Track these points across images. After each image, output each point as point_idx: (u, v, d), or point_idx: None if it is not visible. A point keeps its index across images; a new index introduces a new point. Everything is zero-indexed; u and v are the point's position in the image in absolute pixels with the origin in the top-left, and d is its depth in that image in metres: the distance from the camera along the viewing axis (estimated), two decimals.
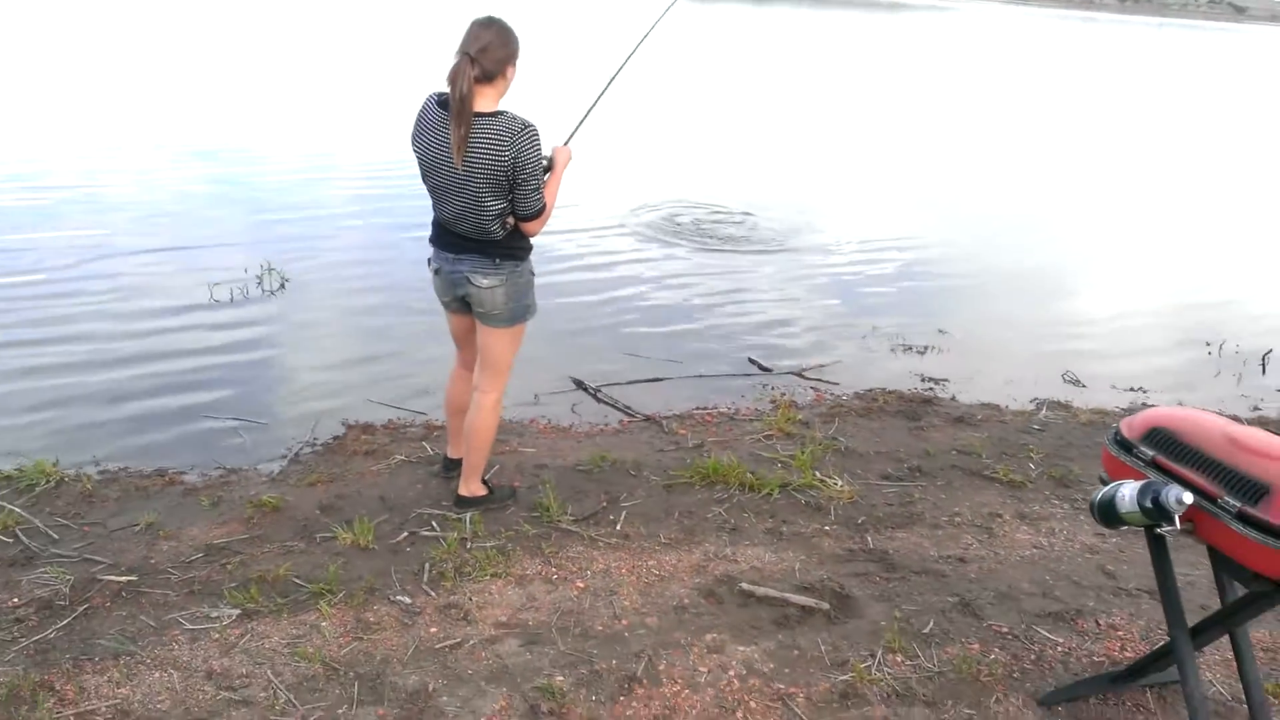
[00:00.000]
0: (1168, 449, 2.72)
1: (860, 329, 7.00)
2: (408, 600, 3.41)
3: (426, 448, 4.65)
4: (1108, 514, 2.69)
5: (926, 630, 3.42)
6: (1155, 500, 2.55)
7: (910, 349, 6.69)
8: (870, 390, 5.91)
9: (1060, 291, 8.45)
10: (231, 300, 6.48)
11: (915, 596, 3.65)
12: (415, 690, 2.97)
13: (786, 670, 3.18)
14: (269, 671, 2.99)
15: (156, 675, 2.96)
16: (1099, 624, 3.52)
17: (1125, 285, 8.96)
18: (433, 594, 3.46)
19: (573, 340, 6.44)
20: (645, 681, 3.08)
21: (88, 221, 7.98)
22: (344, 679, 2.99)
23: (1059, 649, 3.36)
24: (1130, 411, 5.92)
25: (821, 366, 6.25)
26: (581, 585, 3.59)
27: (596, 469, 4.55)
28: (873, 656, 3.26)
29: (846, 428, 5.30)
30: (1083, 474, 4.82)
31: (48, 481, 4.10)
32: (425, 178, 3.53)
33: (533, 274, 3.76)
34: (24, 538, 3.68)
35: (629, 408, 5.44)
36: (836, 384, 6.06)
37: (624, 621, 3.38)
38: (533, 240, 3.68)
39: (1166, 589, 2.80)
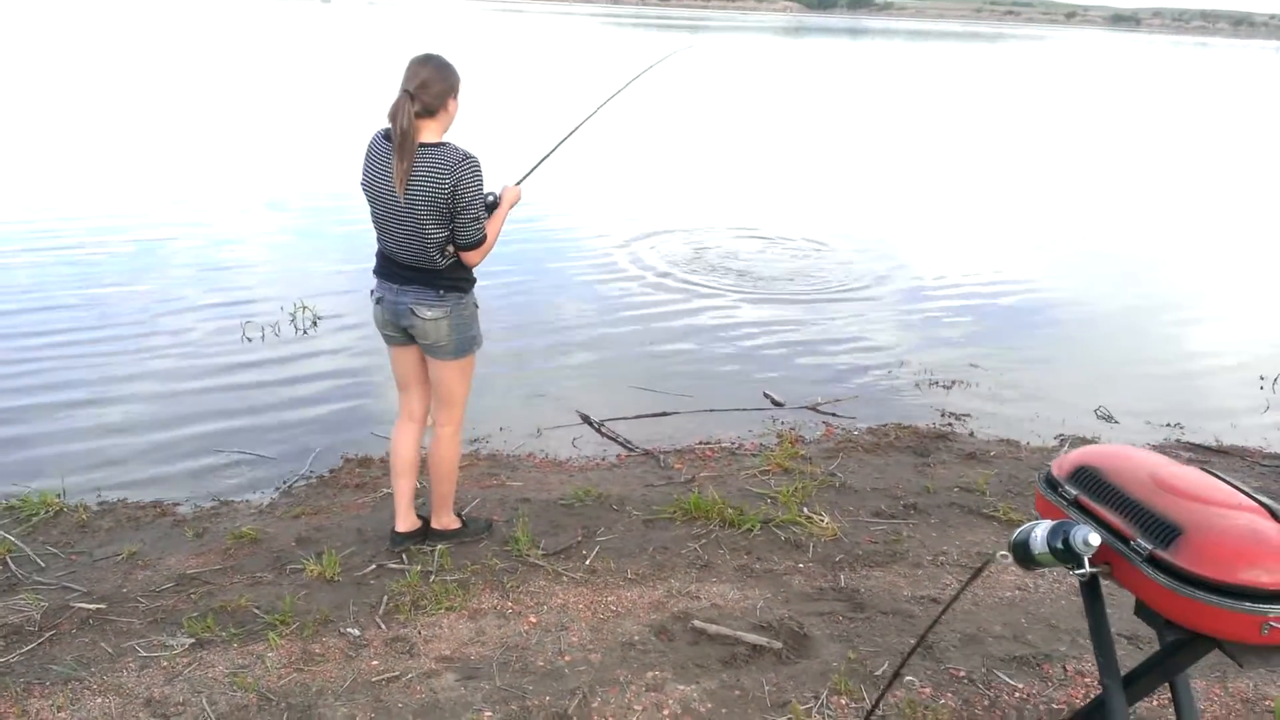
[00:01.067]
0: (1090, 488, 2.59)
1: (885, 364, 6.85)
2: (356, 632, 3.46)
3: (420, 482, 4.71)
4: (1022, 555, 2.57)
5: (879, 672, 3.30)
6: (1065, 541, 2.44)
7: (936, 384, 6.52)
8: (884, 425, 5.78)
9: (1108, 328, 8.13)
10: (263, 338, 6.70)
11: (876, 638, 3.53)
12: None
13: (724, 710, 3.11)
14: (204, 700, 3.06)
15: (98, 701, 3.05)
16: (1066, 670, 3.35)
17: (1183, 322, 8.57)
18: (383, 627, 3.50)
19: (588, 374, 6.49)
20: (575, 719, 3.06)
21: (125, 259, 8.38)
22: (275, 709, 3.03)
23: (1016, 695, 3.21)
24: (1153, 448, 5.67)
25: (837, 401, 6.14)
26: (534, 620, 3.58)
27: (579, 503, 4.54)
28: (816, 699, 3.16)
29: (849, 463, 5.19)
30: None
31: (47, 511, 4.29)
32: (372, 209, 3.62)
33: (476, 306, 3.81)
34: (12, 565, 3.86)
35: (629, 442, 5.43)
36: (853, 418, 5.95)
37: (567, 658, 3.35)
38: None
39: (1098, 634, 2.65)
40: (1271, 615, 2.17)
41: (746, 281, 8.75)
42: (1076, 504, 2.60)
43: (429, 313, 3.65)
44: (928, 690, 3.22)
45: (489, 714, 3.05)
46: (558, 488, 4.75)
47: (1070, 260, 10.31)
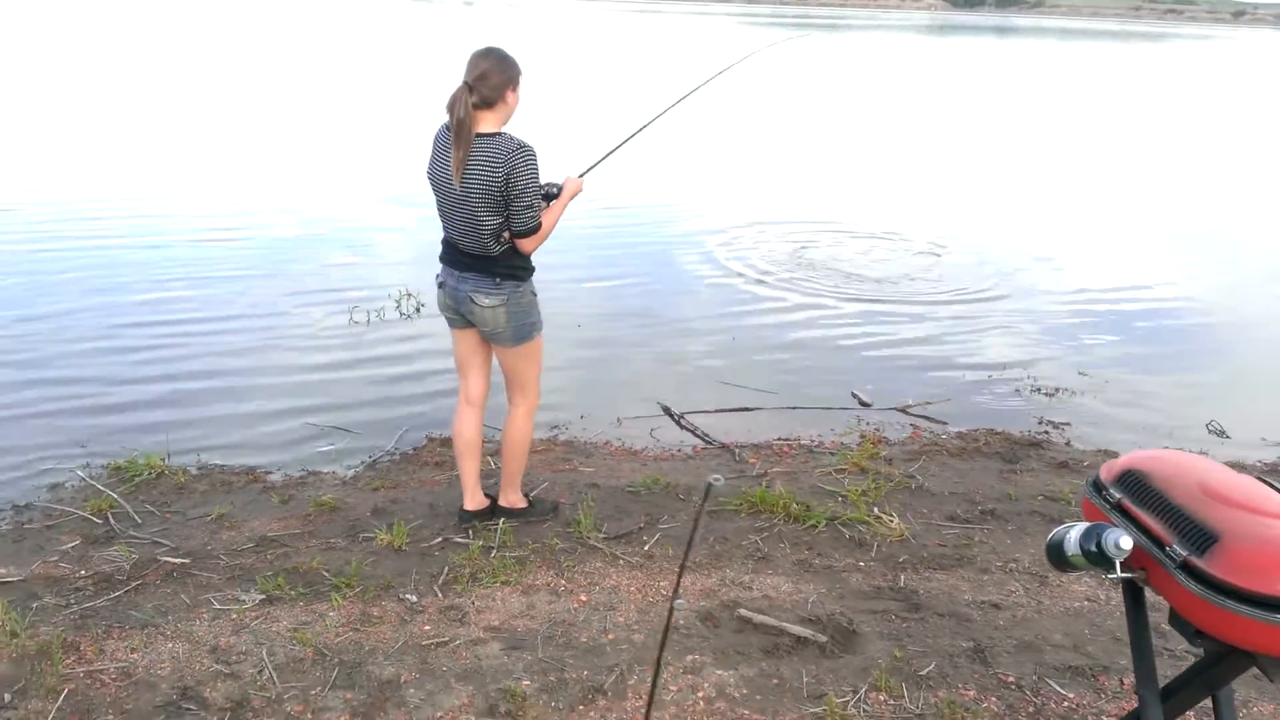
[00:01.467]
0: (1134, 492, 2.48)
1: (986, 368, 6.65)
2: (414, 599, 3.60)
3: (490, 461, 4.84)
4: (1056, 557, 2.49)
5: (924, 672, 3.24)
6: (1098, 544, 2.36)
7: (1038, 390, 6.30)
8: (974, 430, 5.62)
9: (1235, 338, 7.69)
10: (368, 322, 6.99)
11: (927, 639, 3.46)
12: (388, 680, 3.13)
13: (758, 698, 3.11)
14: (265, 651, 3.24)
15: (169, 646, 3.27)
16: (1123, 683, 3.22)
17: None
18: (440, 595, 3.63)
19: (675, 366, 6.55)
20: (609, 694, 3.10)
21: (246, 248, 8.85)
22: (328, 664, 3.19)
23: (1064, 705, 3.10)
24: (1266, 466, 5.35)
25: (928, 404, 6.00)
26: (584, 599, 3.65)
27: (645, 491, 4.59)
28: (854, 693, 3.13)
29: (931, 466, 5.08)
30: None
31: (150, 473, 4.61)
32: (435, 197, 3.75)
33: (534, 294, 3.88)
34: (112, 520, 4.17)
35: (707, 435, 5.45)
36: (944, 423, 5.81)
37: (611, 636, 3.41)
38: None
39: (1137, 643, 2.54)
40: None
41: (849, 281, 8.61)
42: (1119, 508, 2.50)
43: (486, 300, 3.75)
44: (971, 693, 3.14)
45: (527, 682, 3.13)
46: (628, 475, 4.81)
47: (1202, 267, 9.74)
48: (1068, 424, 5.77)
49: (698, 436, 5.46)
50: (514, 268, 3.77)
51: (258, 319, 7.03)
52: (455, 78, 3.62)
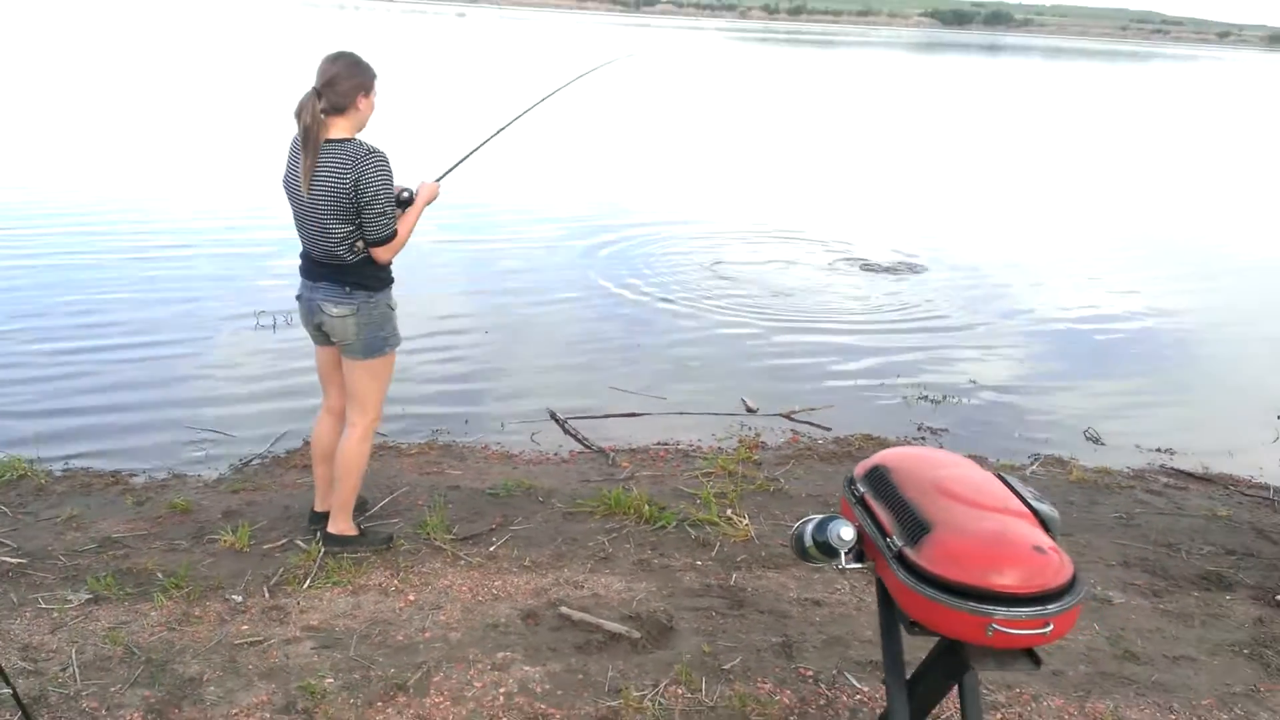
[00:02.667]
0: (876, 487, 2.55)
1: (878, 376, 6.74)
2: (239, 599, 3.63)
3: None
4: (798, 548, 2.56)
5: (728, 666, 3.30)
6: (826, 535, 2.42)
7: (925, 399, 6.37)
8: (851, 435, 5.69)
9: (1134, 351, 7.79)
10: (273, 328, 6.99)
11: (740, 634, 3.52)
12: (190, 678, 3.15)
13: (559, 693, 3.16)
14: (75, 650, 3.26)
15: None
16: None
17: (1219, 350, 8.14)
18: (268, 596, 3.66)
19: (569, 371, 6.64)
20: (411, 691, 3.14)
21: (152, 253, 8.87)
22: (134, 662, 3.22)
23: (856, 697, 3.17)
24: (1132, 472, 5.43)
25: (812, 410, 6.06)
26: (412, 598, 3.69)
27: (506, 493, 4.64)
28: (654, 687, 3.18)
29: (798, 470, 5.14)
30: None
31: (12, 475, 4.63)
32: (290, 206, 3.72)
33: (391, 306, 3.81)
34: None
35: (587, 439, 5.49)
36: (828, 428, 5.87)
37: (427, 634, 3.45)
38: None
39: (885, 633, 2.60)
40: (997, 617, 2.11)
41: (754, 289, 8.70)
42: (862, 502, 2.57)
43: (335, 310, 3.68)
44: (767, 686, 3.20)
45: (330, 680, 3.17)
46: (494, 478, 4.86)
47: (1114, 281, 9.83)
48: (945, 430, 5.85)
49: (578, 440, 5.51)
50: (367, 277, 3.71)
51: (150, 324, 7.02)
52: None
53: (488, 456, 5.25)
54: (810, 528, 2.49)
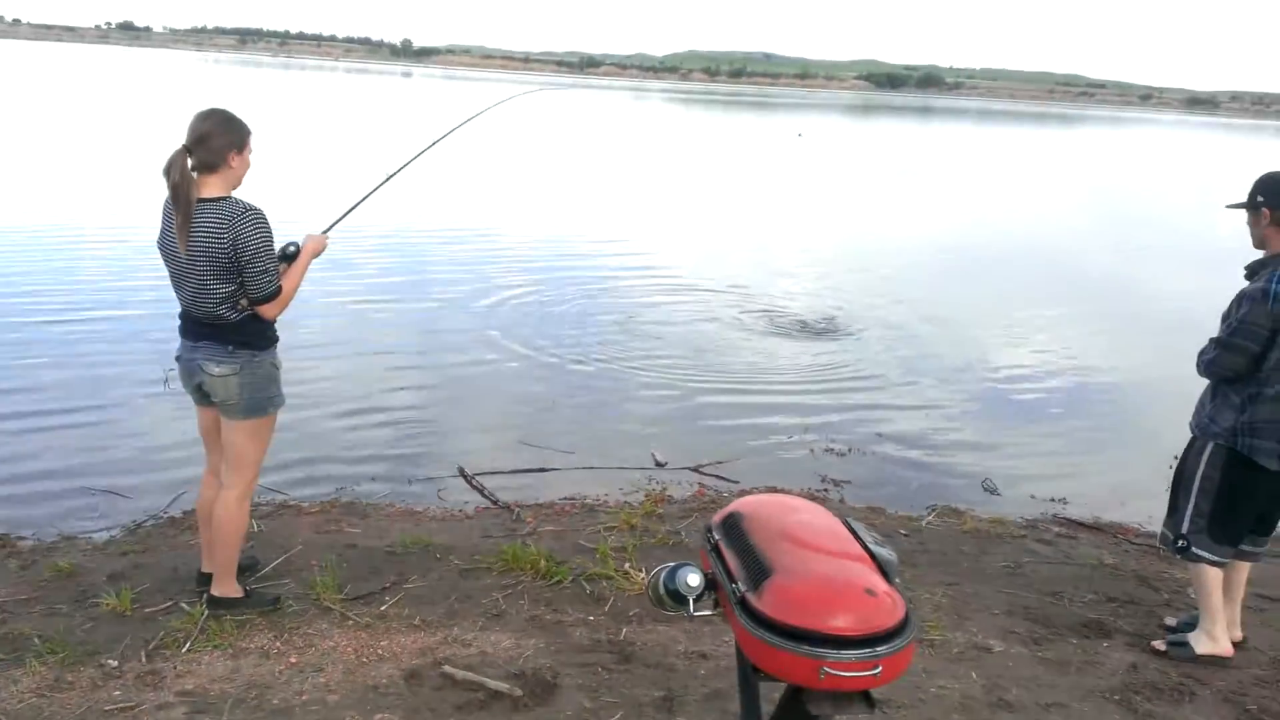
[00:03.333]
0: (729, 534, 2.60)
1: (789, 429, 6.86)
2: (115, 664, 3.55)
3: (254, 524, 4.83)
4: (654, 597, 2.60)
5: None
6: (674, 581, 2.47)
7: (831, 450, 6.49)
8: (755, 488, 5.77)
9: (1047, 401, 8.03)
10: (167, 384, 6.86)
11: (624, 690, 3.53)
12: None
13: None
14: None
15: None
16: None
17: (1133, 402, 8.40)
18: (145, 661, 3.59)
19: (480, 427, 6.65)
20: None
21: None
22: None
23: None
24: (1025, 522, 5.58)
25: (719, 463, 6.14)
26: (294, 660, 3.65)
27: (403, 551, 4.62)
28: None
29: (700, 523, 5.19)
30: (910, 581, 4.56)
31: None
32: (167, 267, 3.70)
33: (275, 365, 3.79)
34: None
35: (493, 495, 5.50)
36: (736, 482, 5.96)
37: (305, 697, 3.41)
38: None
39: (741, 681, 2.64)
40: (828, 660, 2.16)
41: (670, 346, 8.81)
42: (715, 549, 2.62)
43: (217, 369, 3.65)
44: None
45: None
46: (394, 535, 4.83)
47: (1034, 338, 10.12)
48: (848, 482, 5.96)
49: (485, 496, 5.51)
50: (250, 335, 3.68)
51: (52, 384, 6.88)
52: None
53: (390, 514, 5.23)
54: (663, 575, 2.53)
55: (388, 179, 4.31)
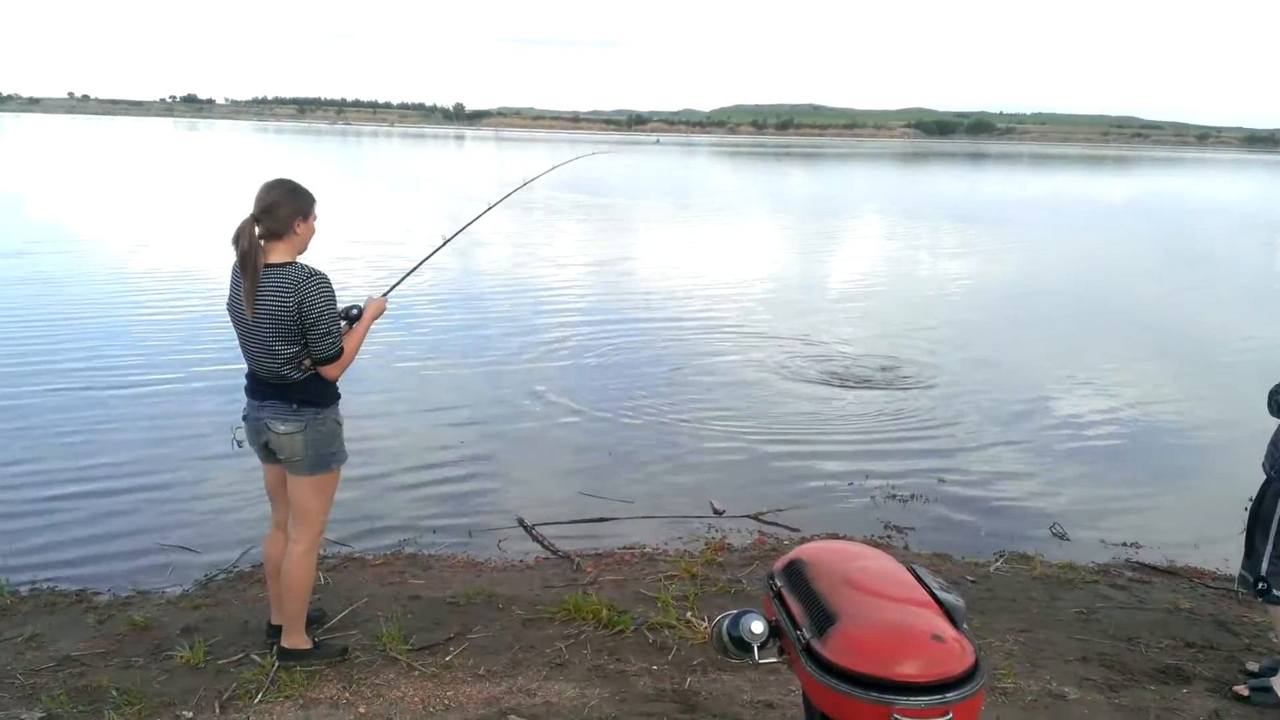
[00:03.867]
0: (792, 581, 2.60)
1: (849, 475, 6.80)
2: (189, 715, 3.62)
3: (321, 577, 4.91)
4: (718, 645, 2.60)
5: None
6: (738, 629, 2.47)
7: (893, 497, 6.43)
8: (816, 536, 5.73)
9: (1118, 447, 7.86)
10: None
11: None
12: None
13: None
14: None
15: None
16: None
17: (1205, 442, 8.20)
18: (218, 711, 3.66)
19: (539, 478, 6.68)
20: None
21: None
22: None
23: None
24: (1097, 567, 5.46)
25: (780, 511, 6.11)
26: (363, 710, 3.69)
27: (467, 601, 4.66)
28: None
29: (761, 571, 5.16)
30: (982, 628, 4.47)
31: None
32: (235, 329, 3.82)
33: (338, 422, 3.88)
34: None
35: (553, 545, 5.53)
36: (797, 530, 5.93)
37: None
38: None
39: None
40: (897, 706, 2.14)
41: (727, 395, 8.82)
42: (779, 596, 2.62)
43: (283, 427, 3.75)
44: None
45: None
46: (457, 586, 4.88)
47: (1101, 380, 9.94)
48: (912, 529, 5.89)
49: (545, 546, 5.54)
50: (314, 394, 3.78)
51: (125, 443, 7.11)
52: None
53: (452, 565, 5.28)
54: (726, 623, 2.53)
55: (444, 243, 4.43)
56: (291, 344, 3.69)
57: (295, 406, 3.77)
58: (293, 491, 3.90)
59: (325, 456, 3.85)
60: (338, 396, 3.91)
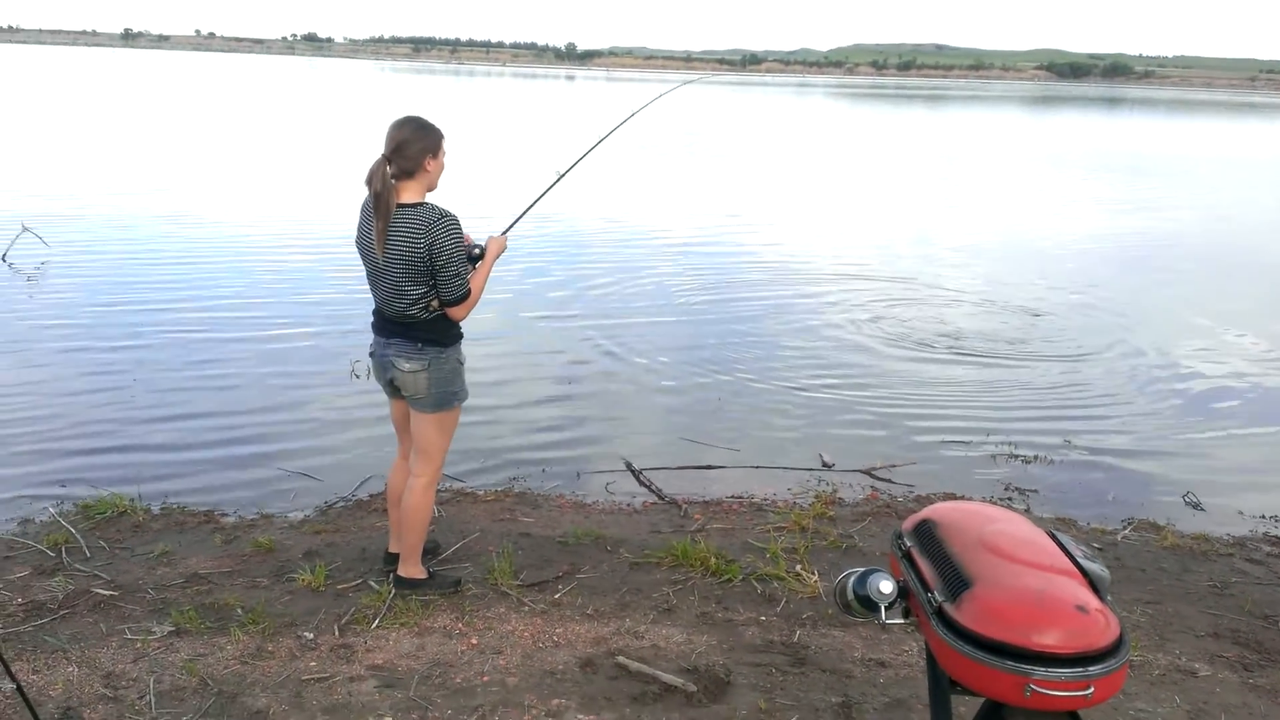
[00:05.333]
0: (923, 541, 2.50)
1: (970, 432, 6.58)
2: (310, 636, 3.74)
3: (437, 510, 5.00)
4: (841, 602, 2.52)
5: None
6: (866, 588, 2.39)
7: (1015, 457, 6.20)
8: (933, 494, 5.57)
9: (1241, 413, 7.41)
10: (369, 376, 7.25)
11: (800, 693, 3.46)
12: (257, 711, 3.27)
13: None
14: (153, 680, 3.42)
15: (70, 670, 3.47)
16: None
17: None
18: (337, 634, 3.77)
19: (650, 421, 6.68)
20: None
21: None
22: (207, 693, 3.35)
23: None
24: (1233, 539, 5.16)
25: (893, 467, 5.95)
26: (475, 642, 3.75)
27: (575, 541, 4.68)
28: None
29: (874, 527, 5.05)
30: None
31: (113, 512, 4.89)
32: (364, 265, 3.87)
33: (460, 361, 3.91)
34: (64, 554, 4.42)
35: (661, 490, 5.51)
36: (911, 486, 5.77)
37: (485, 678, 3.50)
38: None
39: (933, 693, 2.53)
40: (1035, 677, 2.04)
41: (843, 340, 8.66)
42: (908, 556, 2.52)
43: (407, 365, 3.80)
44: None
45: (389, 718, 3.24)
46: (565, 526, 4.91)
47: (1250, 342, 9.38)
48: (1035, 491, 5.67)
49: (652, 492, 5.53)
50: (438, 333, 3.81)
51: (250, 365, 7.40)
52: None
53: (561, 505, 5.31)
54: (852, 580, 2.45)
55: (559, 179, 4.38)
56: (420, 285, 3.72)
57: (420, 345, 3.81)
58: (416, 427, 3.96)
59: (448, 395, 3.89)
60: (460, 336, 3.93)
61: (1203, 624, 4.13)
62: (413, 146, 3.68)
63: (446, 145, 3.82)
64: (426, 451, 3.98)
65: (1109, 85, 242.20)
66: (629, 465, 5.83)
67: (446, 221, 3.68)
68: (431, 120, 3.79)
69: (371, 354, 4.00)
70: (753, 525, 5.05)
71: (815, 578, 4.32)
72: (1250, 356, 8.78)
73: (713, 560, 4.41)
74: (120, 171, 18.56)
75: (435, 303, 3.76)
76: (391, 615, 3.90)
